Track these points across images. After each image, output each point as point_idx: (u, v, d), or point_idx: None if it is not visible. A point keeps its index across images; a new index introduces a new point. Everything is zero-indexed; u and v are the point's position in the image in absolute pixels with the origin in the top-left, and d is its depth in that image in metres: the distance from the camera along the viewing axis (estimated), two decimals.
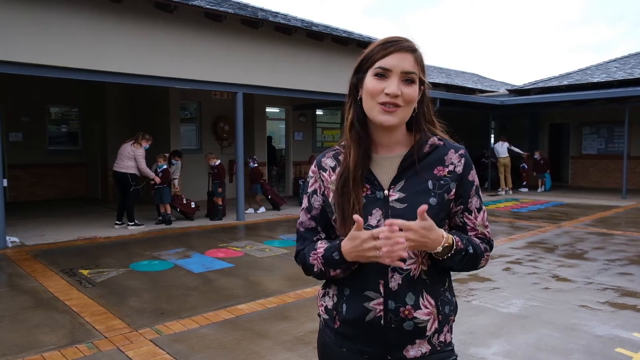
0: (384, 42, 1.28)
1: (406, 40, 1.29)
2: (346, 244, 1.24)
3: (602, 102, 14.25)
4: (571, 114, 16.62)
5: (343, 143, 1.39)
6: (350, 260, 1.24)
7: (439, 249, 1.22)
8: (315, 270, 1.34)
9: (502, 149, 14.93)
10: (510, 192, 15.03)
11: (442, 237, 1.22)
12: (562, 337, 3.82)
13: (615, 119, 15.18)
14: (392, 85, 1.25)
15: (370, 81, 1.28)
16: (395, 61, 1.26)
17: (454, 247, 1.25)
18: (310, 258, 1.35)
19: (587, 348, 3.60)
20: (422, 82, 1.32)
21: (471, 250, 1.29)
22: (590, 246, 7.27)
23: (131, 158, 8.63)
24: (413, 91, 1.28)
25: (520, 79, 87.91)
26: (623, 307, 4.53)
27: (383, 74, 1.27)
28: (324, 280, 1.44)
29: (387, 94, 1.25)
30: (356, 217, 1.18)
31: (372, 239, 1.17)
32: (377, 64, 1.27)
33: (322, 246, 1.33)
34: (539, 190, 15.32)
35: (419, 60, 1.29)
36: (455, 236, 1.27)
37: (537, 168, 15.44)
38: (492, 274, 5.66)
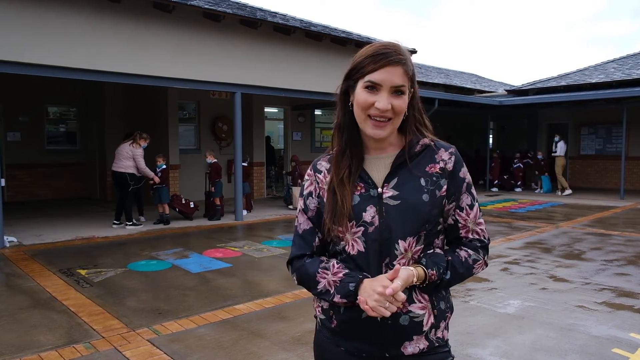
0: (374, 54, 1.30)
1: (395, 52, 1.30)
2: (368, 282, 1.26)
3: (601, 102, 14.26)
4: (569, 114, 16.64)
5: (336, 148, 1.42)
6: (359, 296, 1.26)
7: (415, 281, 1.28)
8: (320, 288, 1.34)
9: (564, 147, 14.55)
10: (569, 191, 14.49)
11: (413, 277, 1.26)
12: (559, 337, 3.83)
13: (614, 119, 15.20)
14: (383, 101, 1.28)
15: (360, 93, 1.31)
16: (385, 76, 1.28)
17: (426, 281, 1.30)
18: (319, 275, 1.34)
19: (584, 348, 3.61)
20: (412, 83, 1.34)
21: (448, 277, 1.32)
22: (588, 247, 7.28)
23: (129, 158, 8.63)
24: (403, 102, 1.31)
25: (520, 79, 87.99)
26: (620, 307, 4.54)
27: (373, 87, 1.29)
28: None
29: (377, 109, 1.28)
30: (397, 267, 1.23)
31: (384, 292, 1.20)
32: (367, 78, 1.29)
33: (339, 270, 1.33)
34: (537, 191, 15.30)
35: (408, 72, 1.31)
36: (430, 269, 1.29)
37: (538, 168, 15.43)
38: (490, 274, 5.66)
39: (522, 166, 15.74)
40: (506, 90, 18.06)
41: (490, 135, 18.87)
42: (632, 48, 76.54)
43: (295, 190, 11.20)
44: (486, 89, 20.66)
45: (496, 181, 15.93)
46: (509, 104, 15.63)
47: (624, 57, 16.96)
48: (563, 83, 15.72)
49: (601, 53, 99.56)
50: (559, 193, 14.52)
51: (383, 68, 1.28)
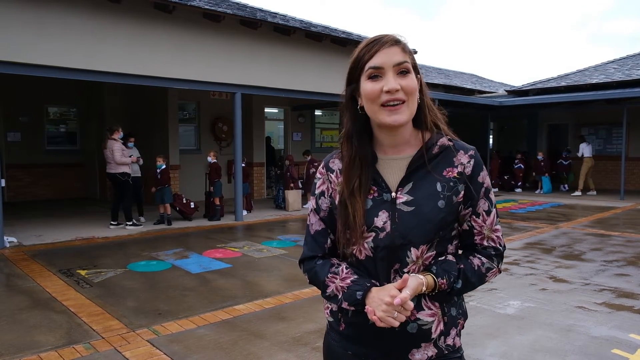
0: (367, 44, 1.27)
1: (388, 36, 1.27)
2: (375, 291, 1.24)
3: (601, 103, 14.27)
4: (570, 115, 16.64)
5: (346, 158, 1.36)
6: (367, 305, 1.24)
7: (425, 290, 1.25)
8: (328, 292, 1.32)
9: (588, 148, 14.49)
10: (595, 192, 14.48)
11: (422, 286, 1.23)
12: (558, 338, 3.83)
13: (614, 120, 15.21)
14: (390, 81, 1.22)
15: (366, 85, 1.25)
16: (383, 57, 1.23)
17: (436, 289, 1.26)
18: (327, 279, 1.32)
19: (584, 349, 3.61)
20: (416, 71, 1.29)
21: (459, 286, 1.28)
22: (588, 247, 7.28)
23: (113, 157, 8.58)
24: (411, 81, 1.25)
25: (524, 79, 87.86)
26: (620, 308, 4.53)
27: (377, 74, 1.24)
28: None
29: (387, 92, 1.22)
30: (406, 276, 1.20)
31: (392, 303, 1.18)
32: (367, 66, 1.24)
33: (348, 275, 1.30)
34: (537, 192, 15.31)
35: (406, 50, 1.27)
36: (440, 277, 1.26)
37: (537, 169, 15.43)
38: None
39: (523, 167, 15.72)
40: (506, 91, 18.06)
41: (490, 136, 18.87)
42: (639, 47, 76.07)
43: (287, 194, 11.14)
44: (486, 90, 20.66)
45: (492, 181, 15.92)
46: (509, 105, 15.63)
47: (624, 58, 16.96)
48: (563, 83, 15.72)
49: (605, 52, 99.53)
50: (578, 193, 14.43)
51: (379, 51, 1.24)
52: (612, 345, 3.68)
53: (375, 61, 1.23)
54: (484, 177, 1.32)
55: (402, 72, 1.24)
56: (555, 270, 5.95)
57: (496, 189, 15.89)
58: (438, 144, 1.30)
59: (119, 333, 3.92)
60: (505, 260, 6.43)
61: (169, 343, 3.73)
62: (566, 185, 15.60)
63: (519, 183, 15.68)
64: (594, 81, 14.84)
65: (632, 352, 3.55)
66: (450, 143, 1.32)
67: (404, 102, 1.23)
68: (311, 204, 1.42)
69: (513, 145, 18.01)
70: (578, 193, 14.45)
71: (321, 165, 1.42)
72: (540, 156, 15.21)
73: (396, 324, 1.17)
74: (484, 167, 1.34)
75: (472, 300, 4.77)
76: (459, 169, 1.29)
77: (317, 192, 1.40)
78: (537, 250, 7.11)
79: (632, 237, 8.11)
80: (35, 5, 6.97)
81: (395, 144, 1.32)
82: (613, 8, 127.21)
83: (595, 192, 14.53)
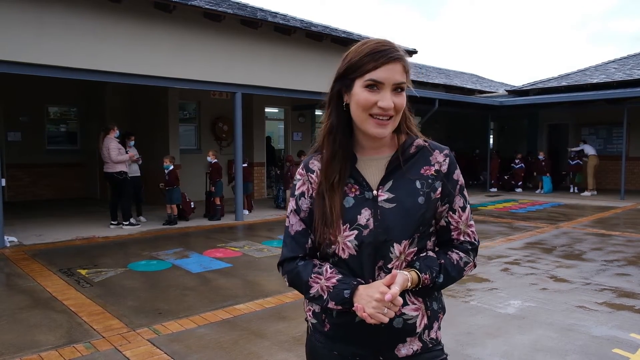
0: (373, 52, 1.26)
1: (393, 48, 1.27)
2: (363, 288, 1.24)
3: (601, 103, 14.26)
4: (570, 114, 16.63)
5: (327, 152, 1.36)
6: (355, 303, 1.24)
7: (410, 286, 1.27)
8: (313, 292, 1.32)
9: (591, 148, 14.54)
10: (595, 192, 14.51)
11: (408, 282, 1.25)
12: (559, 337, 3.83)
13: (614, 120, 15.19)
14: (386, 99, 1.25)
15: (361, 93, 1.27)
16: (386, 73, 1.25)
17: (420, 285, 1.29)
18: (311, 279, 1.31)
19: (584, 349, 3.61)
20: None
21: (440, 280, 1.31)
22: (589, 247, 7.28)
23: (108, 157, 8.56)
24: (403, 99, 1.29)
25: (525, 80, 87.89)
26: (621, 307, 4.53)
27: (374, 85, 1.26)
28: None
29: (380, 108, 1.25)
30: (394, 272, 1.22)
31: (382, 299, 1.19)
32: (368, 76, 1.25)
33: (333, 275, 1.30)
34: (537, 191, 15.31)
35: (406, 68, 1.29)
36: (423, 273, 1.28)
37: (538, 169, 15.43)
38: (490, 275, 5.66)
39: (524, 166, 15.71)
40: (507, 91, 18.06)
41: (491, 136, 18.87)
42: None
43: (288, 194, 11.19)
44: (487, 89, 20.66)
45: (492, 181, 15.92)
46: (509, 104, 15.62)
47: (624, 58, 16.96)
48: (564, 83, 15.72)
49: (607, 52, 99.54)
50: (588, 194, 14.45)
51: (384, 65, 1.25)
52: (612, 344, 3.68)
53: (378, 75, 1.25)
54: (459, 175, 1.39)
55: (397, 89, 1.27)
56: (555, 269, 5.95)
57: (495, 189, 15.90)
58: (414, 144, 1.36)
59: (120, 332, 3.92)
60: (506, 259, 6.43)
61: (169, 342, 3.73)
62: (575, 188, 15.31)
63: (519, 183, 15.66)
64: (594, 81, 14.84)
65: (633, 352, 3.55)
66: (426, 143, 1.38)
67: (391, 117, 1.28)
68: (291, 205, 1.42)
69: (513, 145, 18.00)
70: (588, 193, 14.45)
71: (300, 167, 1.43)
72: (541, 156, 15.20)
73: (386, 319, 1.19)
74: (458, 165, 1.40)
75: (473, 299, 4.77)
76: (436, 167, 1.35)
77: (297, 192, 1.41)
78: (538, 249, 7.11)
79: (633, 236, 8.11)
80: (36, 5, 6.97)
81: (375, 146, 1.36)
82: (614, 8, 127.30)
83: (595, 192, 14.55)
